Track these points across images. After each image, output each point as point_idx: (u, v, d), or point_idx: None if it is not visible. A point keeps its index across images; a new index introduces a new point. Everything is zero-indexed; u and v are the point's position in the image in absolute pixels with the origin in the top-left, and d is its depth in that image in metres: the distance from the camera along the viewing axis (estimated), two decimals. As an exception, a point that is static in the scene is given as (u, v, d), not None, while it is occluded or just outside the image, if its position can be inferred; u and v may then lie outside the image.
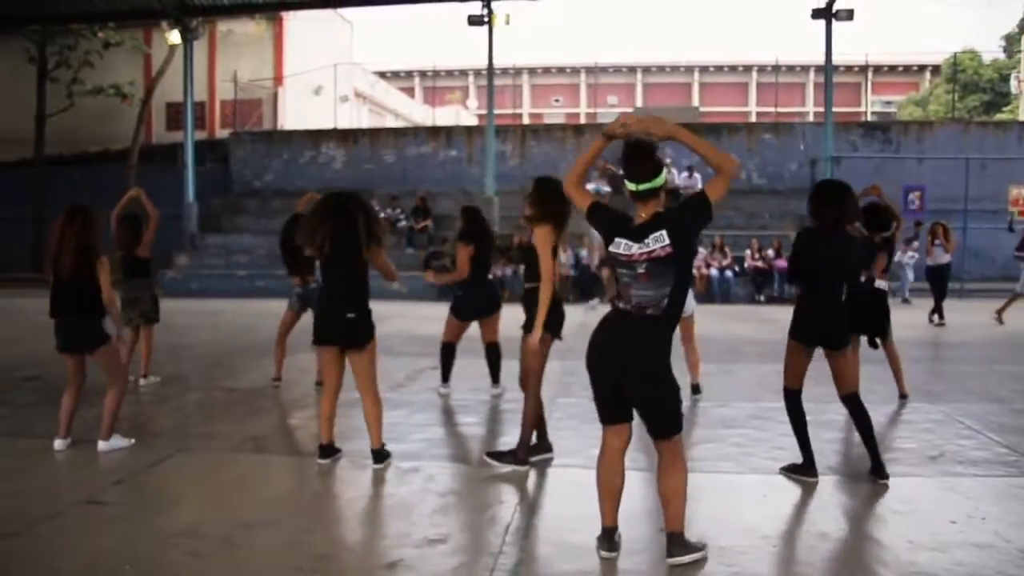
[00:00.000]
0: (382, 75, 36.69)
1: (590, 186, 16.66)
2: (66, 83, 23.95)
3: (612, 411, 3.42)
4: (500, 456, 4.78)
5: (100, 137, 24.41)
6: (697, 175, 17.53)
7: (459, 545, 3.66)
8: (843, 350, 4.56)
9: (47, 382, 7.05)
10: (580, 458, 4.66)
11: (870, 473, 4.56)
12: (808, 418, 4.62)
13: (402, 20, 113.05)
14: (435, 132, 23.50)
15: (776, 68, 30.96)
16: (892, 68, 44.81)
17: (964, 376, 7.96)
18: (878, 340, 6.46)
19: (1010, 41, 40.35)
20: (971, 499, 4.23)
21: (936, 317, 12.52)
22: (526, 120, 39.47)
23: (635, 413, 3.42)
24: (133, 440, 5.21)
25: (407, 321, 11.65)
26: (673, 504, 3.36)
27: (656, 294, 3.26)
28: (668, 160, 13.79)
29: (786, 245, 15.86)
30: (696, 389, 6.69)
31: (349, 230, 4.66)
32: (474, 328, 6.82)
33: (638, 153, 3.34)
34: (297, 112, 26.62)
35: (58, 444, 5.07)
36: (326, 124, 24.88)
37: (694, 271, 8.00)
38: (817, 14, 18.10)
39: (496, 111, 20.27)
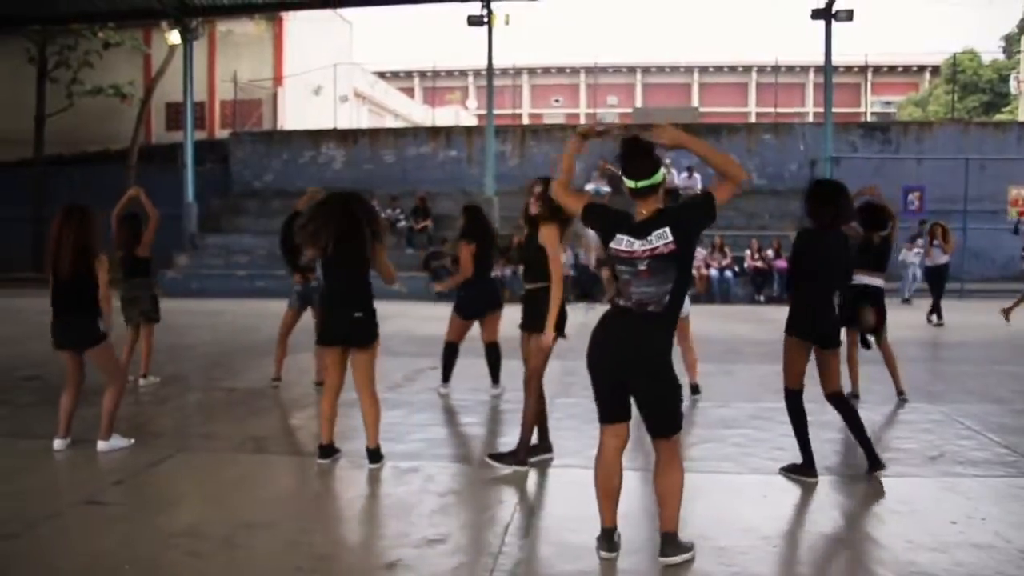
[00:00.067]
0: (382, 75, 36.68)
1: (590, 186, 16.74)
2: (66, 83, 23.95)
3: (612, 410, 3.42)
4: (501, 457, 4.78)
5: (100, 137, 24.40)
6: (697, 175, 17.54)
7: (459, 545, 3.66)
8: (835, 349, 4.63)
9: (47, 382, 7.05)
10: (580, 458, 4.66)
11: (867, 470, 4.58)
12: (808, 418, 4.62)
13: (402, 20, 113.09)
14: (435, 132, 23.49)
15: (776, 68, 30.94)
16: (892, 68, 44.83)
17: (964, 376, 7.96)
18: (872, 339, 6.50)
19: (1010, 41, 40.36)
20: (971, 499, 4.24)
21: (935, 317, 12.53)
22: (526, 120, 39.45)
23: (634, 413, 3.42)
24: (133, 440, 5.21)
25: (407, 321, 11.65)
26: (669, 504, 3.36)
27: (658, 291, 3.27)
28: (668, 160, 13.78)
29: (786, 245, 15.87)
30: (695, 389, 6.70)
31: (353, 230, 4.66)
32: (474, 328, 6.83)
33: (636, 151, 3.35)
34: (297, 112, 26.62)
35: (58, 444, 5.07)
36: (326, 124, 24.87)
37: (694, 271, 8.01)
38: (817, 14, 18.10)
39: (496, 111, 20.27)
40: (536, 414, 4.85)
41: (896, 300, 14.64)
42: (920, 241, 15.23)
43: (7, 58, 24.71)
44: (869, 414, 6.10)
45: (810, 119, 34.01)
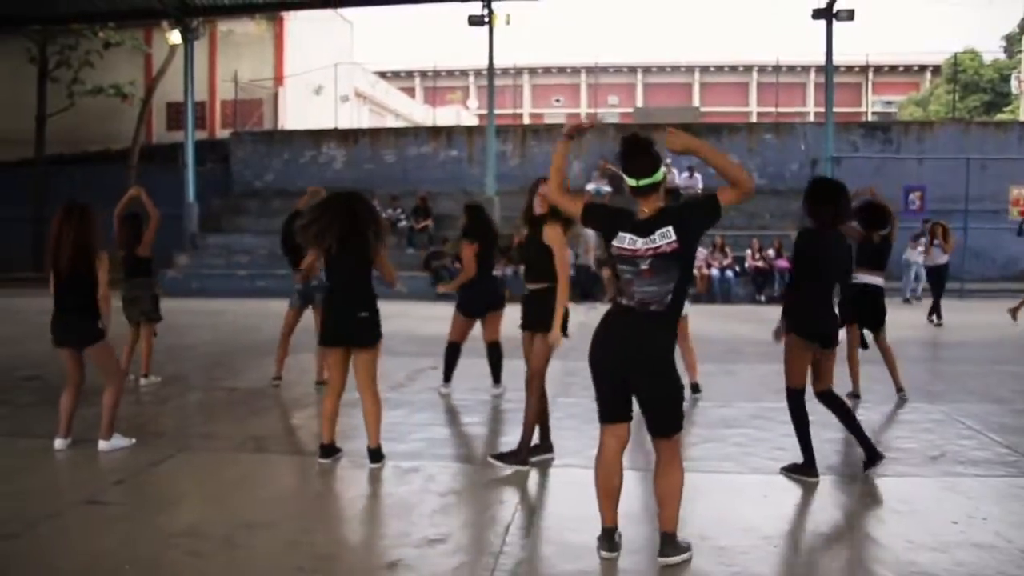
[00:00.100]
0: (382, 75, 36.68)
1: (591, 186, 16.73)
2: (66, 83, 23.94)
3: (614, 409, 3.42)
4: (503, 457, 4.78)
5: (100, 137, 24.41)
6: (698, 175, 17.53)
7: (459, 545, 3.66)
8: (834, 348, 4.65)
9: (47, 382, 7.05)
10: (580, 458, 4.65)
11: (864, 464, 4.60)
12: (810, 418, 4.62)
13: (402, 20, 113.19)
14: (435, 132, 23.48)
15: (777, 68, 30.97)
16: (892, 68, 44.78)
17: (965, 376, 7.96)
18: (870, 336, 6.51)
19: (1010, 41, 40.31)
20: (972, 499, 4.24)
21: (935, 317, 12.53)
22: (526, 120, 39.41)
23: (635, 413, 3.42)
24: (134, 440, 5.21)
25: (407, 321, 11.64)
26: (668, 505, 3.37)
27: (660, 290, 3.27)
28: (668, 160, 13.78)
29: (787, 245, 15.87)
30: (696, 388, 6.70)
31: (357, 230, 4.66)
32: (476, 327, 6.83)
33: (636, 149, 3.35)
34: (297, 112, 26.62)
35: (58, 444, 5.07)
36: (326, 124, 24.87)
37: (694, 271, 8.02)
38: (817, 14, 18.09)
39: (496, 111, 20.25)
40: (538, 414, 4.85)
41: (897, 300, 14.65)
42: (923, 240, 15.25)
43: (8, 58, 24.71)
44: (869, 414, 6.12)
45: (811, 119, 33.96)
